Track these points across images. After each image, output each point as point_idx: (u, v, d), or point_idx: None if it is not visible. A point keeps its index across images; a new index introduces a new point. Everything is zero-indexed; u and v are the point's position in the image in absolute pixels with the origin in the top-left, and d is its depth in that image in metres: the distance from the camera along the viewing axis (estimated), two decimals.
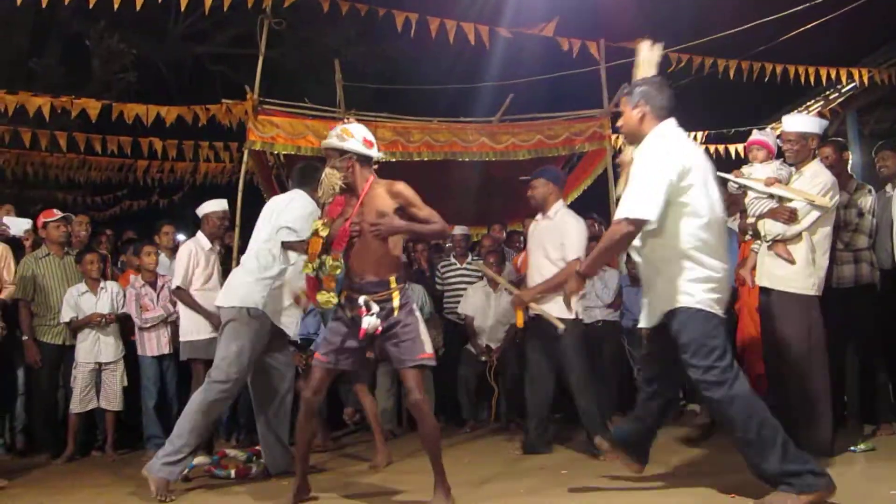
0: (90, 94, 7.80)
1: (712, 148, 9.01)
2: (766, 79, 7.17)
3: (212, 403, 3.96)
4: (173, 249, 5.84)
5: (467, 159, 6.20)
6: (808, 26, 6.98)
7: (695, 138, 8.98)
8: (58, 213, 5.69)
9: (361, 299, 3.36)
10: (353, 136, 3.46)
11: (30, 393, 5.51)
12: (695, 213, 3.06)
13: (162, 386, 5.47)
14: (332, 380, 3.65)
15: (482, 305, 6.06)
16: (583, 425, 4.55)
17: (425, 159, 6.10)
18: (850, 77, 7.54)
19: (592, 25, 7.09)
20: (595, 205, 6.83)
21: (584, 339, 4.65)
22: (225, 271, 5.17)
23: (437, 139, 6.13)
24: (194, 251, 5.17)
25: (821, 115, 7.50)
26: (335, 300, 3.40)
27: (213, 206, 5.30)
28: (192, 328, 5.07)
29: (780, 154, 4.28)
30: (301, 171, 4.38)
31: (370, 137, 3.54)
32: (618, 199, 3.30)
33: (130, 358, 5.54)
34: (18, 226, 5.56)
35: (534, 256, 4.70)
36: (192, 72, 12.61)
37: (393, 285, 3.40)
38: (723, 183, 4.71)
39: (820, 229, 3.89)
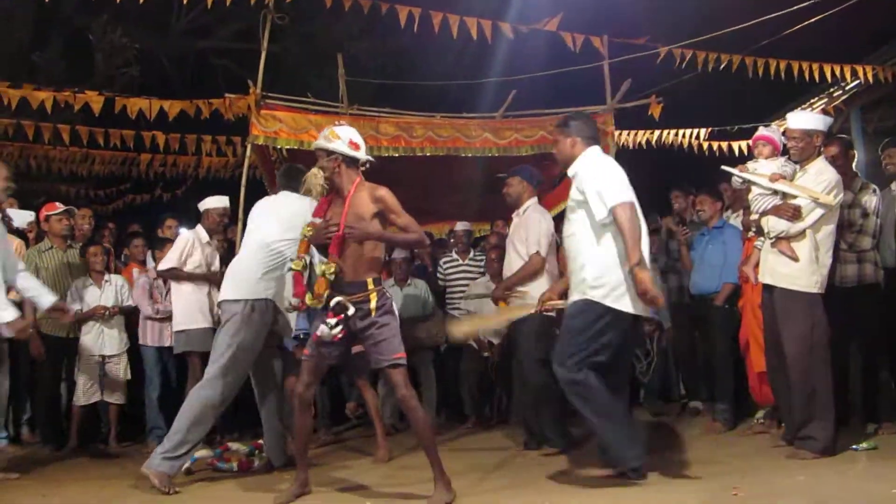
0: (93, 88, 7.79)
1: (715, 145, 8.99)
2: (771, 75, 7.14)
3: (211, 400, 3.93)
4: None
5: (470, 155, 6.17)
6: (812, 20, 6.96)
7: (698, 135, 8.98)
8: (60, 207, 5.69)
9: (333, 301, 3.41)
10: (340, 137, 3.54)
11: (34, 385, 5.51)
12: None
13: (165, 378, 5.49)
14: (324, 373, 3.71)
15: (484, 301, 6.06)
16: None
17: (428, 155, 6.08)
18: (855, 74, 7.50)
19: (596, 21, 7.05)
20: None
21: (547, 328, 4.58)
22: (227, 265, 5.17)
23: (440, 134, 6.11)
24: (191, 241, 5.19)
25: (825, 112, 7.48)
26: (321, 305, 3.46)
27: (215, 203, 5.32)
28: (187, 317, 5.09)
29: (785, 151, 4.28)
30: (285, 173, 4.42)
31: (357, 140, 3.60)
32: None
33: (134, 351, 5.56)
34: (21, 218, 5.57)
35: (507, 252, 4.89)
36: (194, 66, 12.58)
37: (370, 287, 3.45)
38: (727, 177, 4.73)
39: (824, 227, 3.89)
